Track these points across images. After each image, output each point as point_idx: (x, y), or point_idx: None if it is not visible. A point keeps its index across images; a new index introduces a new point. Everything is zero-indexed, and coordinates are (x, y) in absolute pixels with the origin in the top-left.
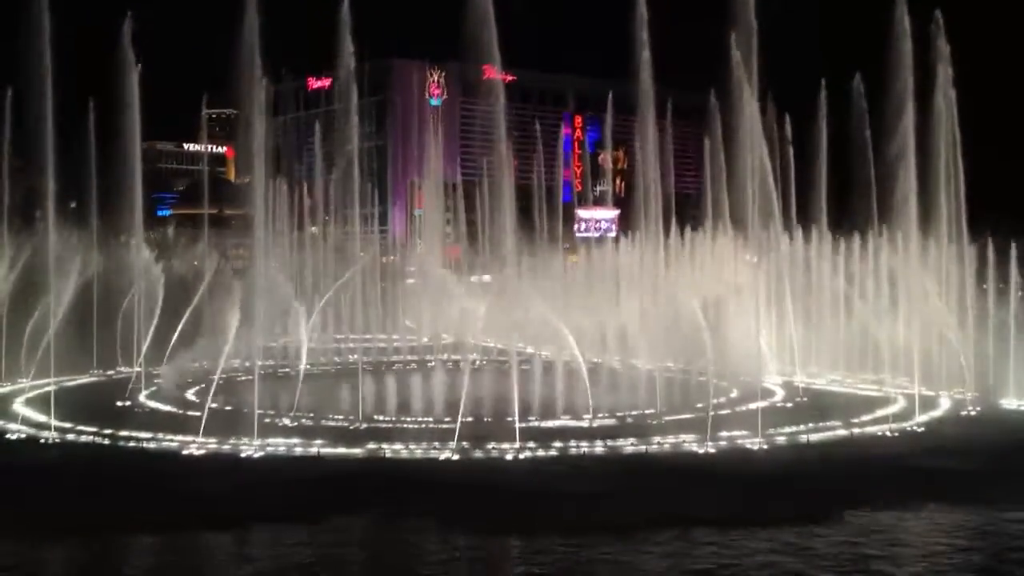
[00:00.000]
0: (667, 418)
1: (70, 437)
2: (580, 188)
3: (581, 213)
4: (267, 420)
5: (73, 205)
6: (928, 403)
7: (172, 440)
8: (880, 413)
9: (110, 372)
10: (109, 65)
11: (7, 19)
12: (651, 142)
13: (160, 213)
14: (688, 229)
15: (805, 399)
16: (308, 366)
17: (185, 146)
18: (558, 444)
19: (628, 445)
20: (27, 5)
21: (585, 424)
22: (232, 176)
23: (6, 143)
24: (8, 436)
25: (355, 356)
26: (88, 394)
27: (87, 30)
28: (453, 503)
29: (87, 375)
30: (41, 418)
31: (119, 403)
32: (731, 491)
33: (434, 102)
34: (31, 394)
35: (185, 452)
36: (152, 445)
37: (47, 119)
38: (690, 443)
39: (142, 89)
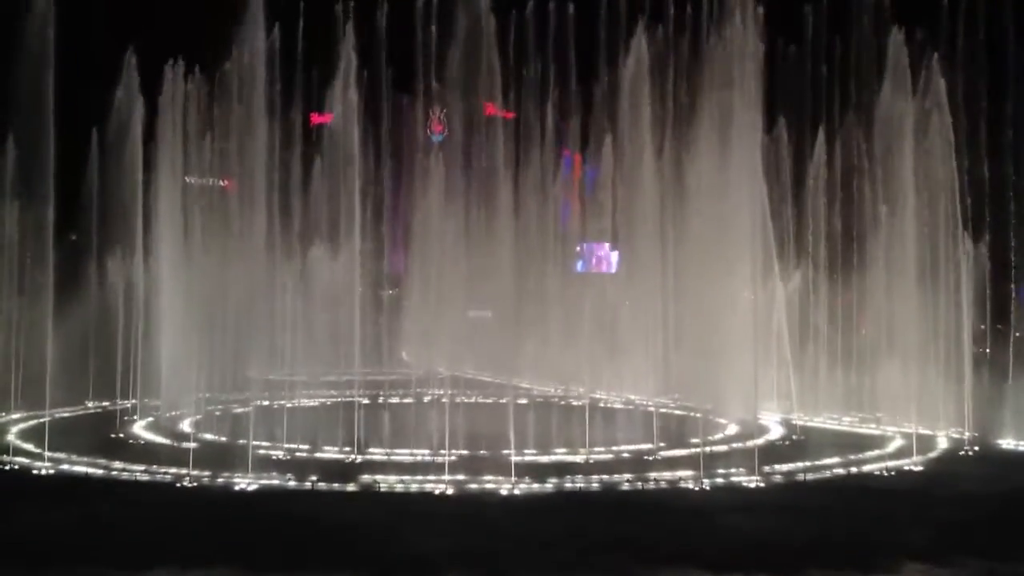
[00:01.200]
0: (662, 454)
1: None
2: (578, 226)
3: (580, 248)
4: (261, 452)
5: (74, 237)
6: (926, 442)
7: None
8: (878, 452)
9: (105, 403)
10: (111, 98)
11: (9, 47)
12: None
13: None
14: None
15: (803, 437)
16: (306, 399)
17: (186, 179)
18: (554, 479)
19: (624, 481)
20: (31, 34)
21: (580, 459)
22: (231, 209)
23: (8, 173)
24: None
25: (351, 390)
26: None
27: (90, 60)
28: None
29: (82, 406)
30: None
31: (113, 435)
32: (728, 530)
33: (435, 138)
34: (24, 425)
35: (178, 485)
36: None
37: (49, 150)
38: (686, 480)
39: (144, 122)
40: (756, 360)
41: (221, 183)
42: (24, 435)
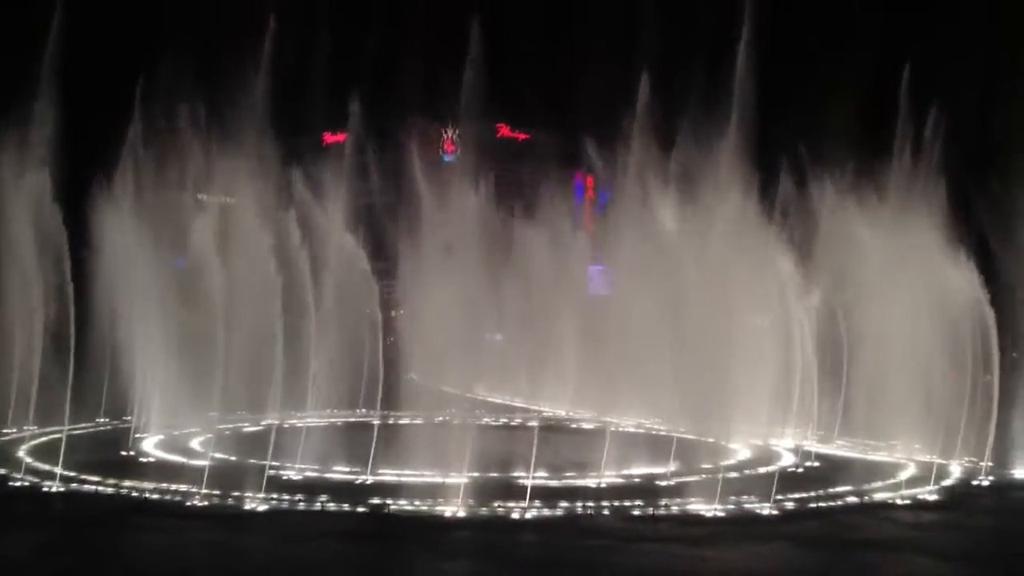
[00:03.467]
0: (675, 480)
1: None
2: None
3: (591, 269)
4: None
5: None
6: (940, 471)
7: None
8: (891, 480)
9: (116, 421)
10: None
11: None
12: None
13: (176, 263)
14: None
15: (816, 464)
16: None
17: (199, 196)
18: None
19: (635, 507)
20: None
21: (592, 484)
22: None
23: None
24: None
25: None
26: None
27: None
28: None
29: (94, 423)
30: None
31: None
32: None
33: (447, 159)
34: (36, 442)
35: (188, 503)
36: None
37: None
38: (697, 506)
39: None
40: (768, 386)
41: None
42: (35, 452)
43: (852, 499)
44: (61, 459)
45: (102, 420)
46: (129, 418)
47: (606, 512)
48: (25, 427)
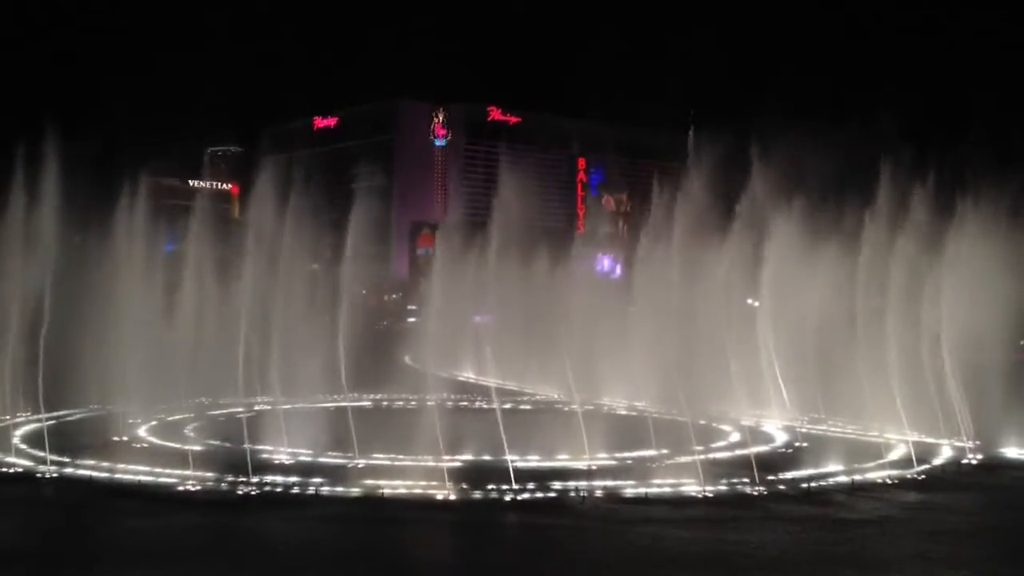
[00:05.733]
0: (667, 461)
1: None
2: (582, 230)
3: (583, 252)
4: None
5: (78, 240)
6: (929, 451)
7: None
8: (880, 460)
9: (110, 406)
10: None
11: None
12: None
13: (165, 248)
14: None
15: (806, 444)
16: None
17: (190, 182)
18: (556, 485)
19: (627, 487)
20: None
21: (583, 466)
22: (236, 213)
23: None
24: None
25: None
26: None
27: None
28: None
29: (85, 409)
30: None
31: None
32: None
33: (438, 142)
34: (28, 428)
35: (181, 488)
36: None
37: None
38: (689, 487)
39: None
40: (759, 367)
41: (227, 187)
42: (28, 438)
43: (843, 479)
44: (56, 444)
45: (95, 406)
46: (121, 404)
47: (598, 494)
48: (19, 413)
